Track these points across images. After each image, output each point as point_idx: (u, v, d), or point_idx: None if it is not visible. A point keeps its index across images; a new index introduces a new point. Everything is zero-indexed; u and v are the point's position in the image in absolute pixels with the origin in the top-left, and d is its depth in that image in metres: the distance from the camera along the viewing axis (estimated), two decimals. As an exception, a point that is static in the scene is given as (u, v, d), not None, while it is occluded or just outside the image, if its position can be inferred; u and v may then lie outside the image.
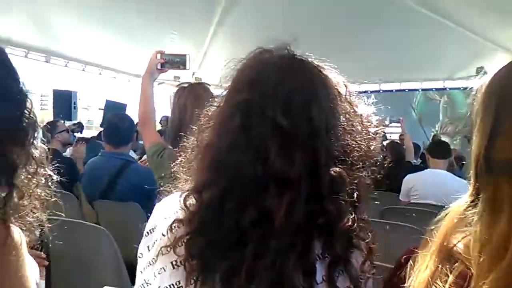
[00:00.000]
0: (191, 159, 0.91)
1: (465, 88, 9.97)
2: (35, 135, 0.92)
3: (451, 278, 0.63)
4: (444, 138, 8.65)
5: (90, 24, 7.54)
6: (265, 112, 0.80)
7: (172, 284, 0.81)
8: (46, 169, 0.95)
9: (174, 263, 0.81)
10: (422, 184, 3.79)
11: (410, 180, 3.93)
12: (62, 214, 1.07)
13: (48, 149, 0.99)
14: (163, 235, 0.84)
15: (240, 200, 0.77)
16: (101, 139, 5.56)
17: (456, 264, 0.65)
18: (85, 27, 7.62)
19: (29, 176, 0.91)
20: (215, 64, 9.65)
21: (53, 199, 0.97)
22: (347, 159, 0.82)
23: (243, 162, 0.78)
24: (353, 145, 0.83)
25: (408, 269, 0.70)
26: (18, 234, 0.85)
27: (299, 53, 0.91)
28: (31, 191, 0.91)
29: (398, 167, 4.32)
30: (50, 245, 1.31)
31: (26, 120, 0.91)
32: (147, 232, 0.91)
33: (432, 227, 0.70)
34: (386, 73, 9.51)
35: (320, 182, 0.78)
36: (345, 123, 0.85)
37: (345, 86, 0.91)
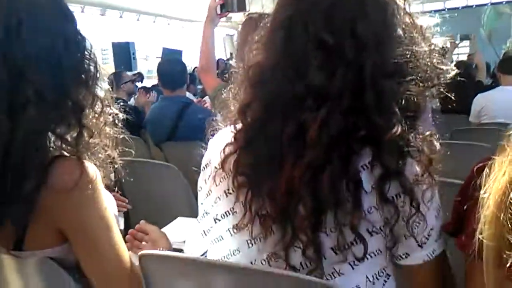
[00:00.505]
0: (239, 82, 0.91)
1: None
2: (98, 75, 0.95)
3: None
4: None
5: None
6: (307, 28, 0.79)
7: (228, 211, 0.86)
8: (112, 108, 0.98)
9: (227, 191, 0.85)
10: (492, 103, 3.56)
11: (480, 100, 3.71)
12: (132, 151, 1.11)
13: (116, 98, 1.03)
14: (216, 168, 0.88)
15: (280, 116, 0.78)
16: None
17: None
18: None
19: (96, 115, 0.95)
20: (267, 2, 9.42)
21: (121, 136, 1.02)
22: (403, 72, 0.79)
23: (284, 79, 0.78)
24: (411, 58, 0.80)
25: (484, 176, 0.66)
26: (93, 170, 0.89)
27: None
28: (99, 129, 0.96)
29: (468, 87, 4.08)
30: (124, 182, 1.38)
31: (87, 61, 0.93)
32: (203, 167, 0.95)
33: (509, 133, 0.66)
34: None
35: (365, 95, 0.76)
36: (403, 35, 0.81)
37: None
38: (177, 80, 3.08)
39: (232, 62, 10.45)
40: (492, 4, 9.97)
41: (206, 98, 4.08)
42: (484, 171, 0.67)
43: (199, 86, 6.22)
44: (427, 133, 0.81)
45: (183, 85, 3.11)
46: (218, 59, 9.92)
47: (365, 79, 0.76)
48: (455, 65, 3.60)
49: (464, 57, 8.49)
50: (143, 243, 1.29)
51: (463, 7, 9.86)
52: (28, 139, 0.82)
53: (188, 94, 4.03)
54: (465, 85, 4.22)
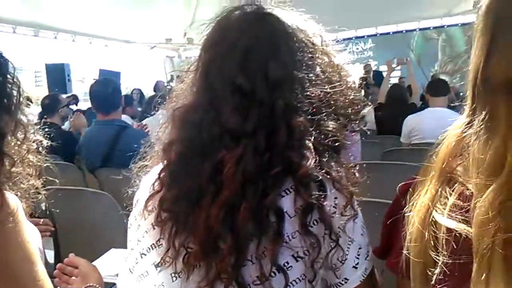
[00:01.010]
0: (166, 122, 0.94)
1: (463, 24, 9.78)
2: (21, 100, 0.90)
3: (451, 199, 0.63)
4: (444, 77, 8.54)
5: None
6: (223, 72, 0.83)
7: (153, 244, 0.85)
8: (36, 134, 0.93)
9: (153, 223, 0.85)
10: (421, 124, 3.76)
11: (409, 122, 3.91)
12: (56, 181, 1.06)
13: (49, 123, 0.98)
14: (145, 204, 0.87)
15: (200, 155, 0.80)
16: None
17: (456, 185, 0.64)
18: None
19: (19, 143, 0.89)
20: (206, 21, 9.48)
21: (45, 165, 0.96)
22: (318, 109, 0.83)
23: (203, 121, 0.82)
24: (325, 96, 0.84)
25: (408, 196, 0.69)
26: (14, 201, 0.84)
27: (272, 6, 0.91)
28: (22, 157, 0.90)
29: (400, 110, 4.29)
30: (54, 212, 1.32)
31: (9, 85, 0.88)
32: (134, 204, 0.95)
33: (431, 153, 0.69)
34: (382, 15, 9.32)
35: (278, 133, 0.79)
36: (319, 75, 0.85)
37: (321, 36, 0.91)
38: (110, 102, 2.94)
39: (172, 84, 10.39)
40: (420, 29, 10.58)
41: (147, 121, 4.00)
42: (408, 190, 0.70)
43: (139, 109, 6.11)
44: (350, 164, 0.85)
45: (118, 108, 2.97)
46: (157, 81, 9.82)
47: (276, 117, 0.80)
48: (389, 89, 3.81)
49: (395, 80, 8.95)
50: (72, 278, 1.22)
51: (393, 32, 10.42)
52: None
53: (125, 117, 3.93)
54: (399, 107, 4.44)
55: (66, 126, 4.87)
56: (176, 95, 0.95)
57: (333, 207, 0.79)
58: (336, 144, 0.83)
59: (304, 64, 0.84)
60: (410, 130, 3.83)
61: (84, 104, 8.70)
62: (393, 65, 6.09)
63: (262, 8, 0.90)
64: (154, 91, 9.23)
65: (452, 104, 3.75)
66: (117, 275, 1.31)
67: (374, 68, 9.15)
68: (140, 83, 10.28)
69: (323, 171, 0.78)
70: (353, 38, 10.14)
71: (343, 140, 0.85)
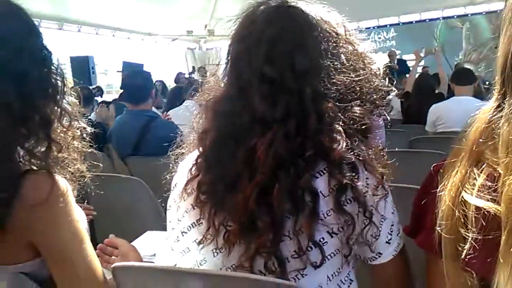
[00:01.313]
0: (200, 113, 1.00)
1: (488, 12, 9.59)
2: (65, 89, 0.96)
3: (479, 180, 0.66)
4: (468, 66, 8.41)
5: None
6: (251, 63, 0.87)
7: (194, 223, 0.91)
8: (80, 122, 0.99)
9: (193, 204, 0.90)
10: (447, 112, 3.73)
11: (435, 110, 3.88)
12: (100, 165, 1.12)
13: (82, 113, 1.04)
14: (184, 187, 0.93)
15: (233, 142, 0.85)
16: (122, 100, 5.63)
17: (484, 167, 0.67)
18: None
19: (65, 129, 0.95)
20: (227, 13, 9.50)
21: (90, 150, 1.02)
22: (344, 95, 0.87)
23: (234, 110, 0.87)
24: (351, 83, 0.88)
25: (439, 177, 0.72)
26: (64, 183, 0.90)
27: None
28: (68, 143, 0.96)
29: (427, 99, 4.25)
30: (90, 197, 1.38)
31: (54, 76, 0.94)
32: (173, 187, 1.01)
33: (462, 136, 0.72)
34: (405, 4, 9.20)
35: (308, 119, 0.83)
36: (344, 63, 0.89)
37: (344, 26, 0.95)
38: (139, 94, 3.00)
39: (194, 75, 10.47)
40: (443, 18, 10.42)
41: (171, 112, 4.06)
42: (439, 172, 0.73)
43: (164, 100, 6.19)
44: (379, 147, 0.89)
45: (147, 99, 3.02)
46: (178, 73, 9.91)
47: (306, 104, 0.84)
48: (416, 78, 3.79)
49: (419, 69, 8.83)
50: (113, 257, 1.28)
51: (416, 21, 10.28)
52: (1, 152, 0.82)
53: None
54: (426, 96, 4.41)
55: (92, 117, 4.99)
56: (208, 88, 1.00)
57: (365, 187, 0.84)
58: (364, 128, 0.87)
59: (329, 53, 0.88)
60: (436, 118, 3.81)
61: (108, 96, 8.87)
62: (422, 54, 6.03)
63: (286, 1, 0.94)
64: (175, 82, 9.33)
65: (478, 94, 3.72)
66: (154, 255, 1.38)
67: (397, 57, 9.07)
68: (162, 74, 10.37)
69: (355, 153, 0.83)
70: (375, 28, 10.05)
71: (371, 124, 0.89)
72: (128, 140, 2.86)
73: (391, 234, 0.89)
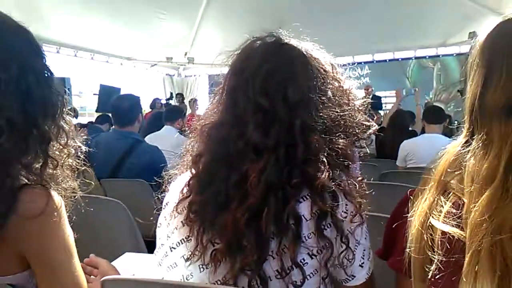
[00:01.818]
0: (196, 137, 1.07)
1: (458, 54, 10.02)
2: (64, 109, 1.01)
3: (446, 207, 0.74)
4: (438, 105, 8.71)
5: (79, 8, 7.50)
6: (247, 94, 0.96)
7: (183, 239, 0.97)
8: (75, 140, 1.04)
9: (183, 222, 0.96)
10: (417, 149, 3.89)
11: (405, 146, 4.05)
12: (92, 183, 1.17)
13: None
14: (175, 205, 0.99)
15: (226, 166, 0.92)
16: (99, 123, 5.62)
17: (450, 195, 0.75)
18: (74, 11, 7.58)
19: (61, 147, 1.00)
20: (208, 42, 9.65)
21: (83, 168, 1.06)
22: (329, 128, 0.95)
23: (229, 137, 0.94)
24: (338, 117, 0.97)
25: (410, 204, 0.80)
26: (58, 199, 0.94)
27: (289, 36, 1.05)
28: (63, 161, 1.00)
29: (401, 135, 4.41)
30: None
31: (55, 95, 0.99)
32: (164, 206, 1.07)
33: (431, 166, 0.81)
34: (379, 43, 9.55)
35: (296, 148, 0.91)
36: (330, 98, 0.98)
37: (332, 64, 1.04)
38: (125, 117, 3.04)
39: (172, 102, 10.51)
40: (416, 58, 10.82)
41: (152, 136, 4.06)
42: (410, 199, 0.81)
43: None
44: (359, 178, 0.97)
45: (132, 123, 3.06)
46: (155, 99, 9.92)
47: (295, 135, 0.92)
48: (392, 114, 3.92)
49: (389, 106, 9.11)
50: (92, 277, 1.30)
51: (389, 60, 10.65)
52: (1, 166, 0.85)
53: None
54: (399, 132, 4.57)
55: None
56: (203, 114, 1.07)
57: (344, 214, 0.91)
58: (346, 159, 0.95)
59: (317, 88, 0.97)
60: (406, 154, 3.96)
61: (81, 118, 8.77)
62: (403, 94, 6.32)
63: (280, 38, 1.03)
64: (151, 108, 9.33)
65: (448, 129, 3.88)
66: (133, 275, 1.40)
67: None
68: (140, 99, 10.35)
69: (336, 183, 0.90)
70: (350, 64, 10.37)
71: (352, 156, 0.97)
72: (109, 161, 2.86)
73: (363, 259, 0.96)
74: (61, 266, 0.95)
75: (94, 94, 9.83)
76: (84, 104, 12.02)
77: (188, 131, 1.11)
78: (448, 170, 0.78)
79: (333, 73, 1.03)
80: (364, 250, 0.96)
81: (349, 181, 0.94)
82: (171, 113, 4.57)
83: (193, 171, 0.98)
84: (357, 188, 0.95)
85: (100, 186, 2.86)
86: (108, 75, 11.27)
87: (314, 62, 1.00)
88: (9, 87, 0.89)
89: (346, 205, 0.92)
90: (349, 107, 1.00)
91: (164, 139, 3.79)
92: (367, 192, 0.98)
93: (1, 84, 0.88)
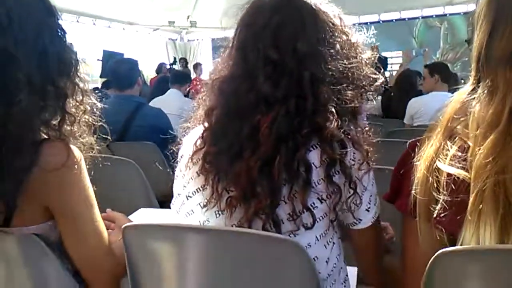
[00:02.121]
0: (207, 90, 1.09)
1: (465, 13, 9.85)
2: (78, 67, 1.03)
3: (452, 151, 0.77)
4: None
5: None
6: (257, 47, 0.97)
7: (198, 188, 1.01)
8: (91, 97, 1.07)
9: (198, 171, 1.00)
10: (424, 107, 3.88)
11: (413, 105, 4.04)
12: (109, 138, 1.21)
13: None
14: (189, 157, 1.03)
15: (238, 119, 0.95)
16: (104, 88, 5.64)
17: (456, 140, 0.78)
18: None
19: (77, 104, 1.03)
20: (210, 4, 9.50)
21: (99, 124, 1.10)
22: (338, 80, 0.97)
23: (240, 90, 0.96)
24: (345, 69, 0.99)
25: (417, 149, 0.84)
26: (78, 152, 0.98)
27: None
28: (80, 117, 1.04)
29: (407, 95, 4.39)
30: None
31: (69, 53, 1.02)
32: (178, 159, 1.11)
33: (438, 114, 0.84)
34: (385, 3, 9.38)
35: (305, 99, 0.94)
36: (338, 51, 1.00)
37: (340, 18, 1.06)
38: (124, 80, 3.03)
39: (176, 66, 10.46)
40: (422, 17, 10.65)
41: (157, 100, 4.08)
42: (415, 146, 0.85)
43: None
44: (366, 128, 1.01)
45: (131, 85, 3.04)
46: (160, 63, 9.88)
47: (304, 86, 0.94)
48: (399, 74, 3.93)
49: (396, 67, 9.03)
50: (109, 230, 1.36)
51: (396, 20, 10.49)
52: (23, 120, 0.89)
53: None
54: (406, 92, 4.55)
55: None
56: (213, 68, 1.09)
57: (352, 161, 0.95)
58: (354, 110, 0.98)
59: (326, 41, 0.99)
60: (414, 113, 3.95)
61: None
62: (413, 55, 6.23)
63: None
64: (157, 73, 9.30)
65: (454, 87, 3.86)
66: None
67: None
68: (143, 64, 10.33)
69: (344, 132, 0.93)
70: (356, 25, 10.19)
71: (360, 107, 1.00)
72: (113, 125, 2.88)
73: (369, 203, 1.01)
74: (82, 216, 1.00)
75: (97, 60, 9.81)
76: (88, 70, 11.98)
77: (195, 93, 1.14)
78: (455, 116, 0.81)
79: (341, 26, 1.04)
80: (371, 196, 1.01)
81: (356, 130, 0.97)
82: (177, 77, 4.56)
83: (206, 124, 1.01)
84: (364, 136, 0.98)
85: (109, 150, 2.91)
86: (111, 40, 11.18)
87: (322, 15, 1.02)
88: (27, 46, 0.91)
89: (354, 153, 0.95)
90: (357, 60, 1.02)
91: (169, 102, 3.80)
92: (373, 141, 1.01)
93: (19, 43, 0.90)
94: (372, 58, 1.09)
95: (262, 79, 0.95)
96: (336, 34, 1.01)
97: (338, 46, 1.00)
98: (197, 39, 13.01)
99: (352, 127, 0.96)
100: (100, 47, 9.82)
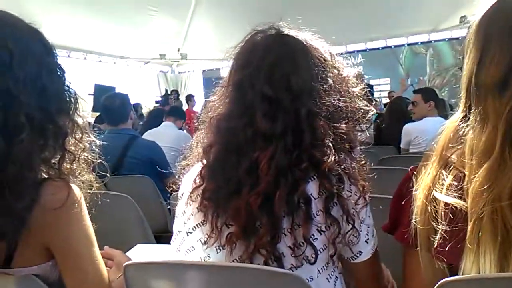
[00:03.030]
0: (205, 128, 1.11)
1: (450, 39, 10.07)
2: (77, 105, 1.05)
3: (447, 180, 0.79)
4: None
5: (69, 8, 7.48)
6: (254, 86, 1.00)
7: (198, 223, 1.02)
8: (90, 135, 1.08)
9: (198, 208, 1.01)
10: (421, 134, 3.91)
11: (410, 130, 4.05)
12: (108, 175, 1.21)
13: None
14: (189, 194, 1.04)
15: (236, 155, 0.97)
16: (97, 123, 5.64)
17: (452, 169, 0.80)
18: (65, 12, 7.56)
19: (76, 142, 1.04)
20: (201, 36, 9.64)
21: (98, 161, 1.11)
22: (332, 114, 1.00)
23: (238, 127, 0.99)
24: (338, 103, 1.01)
25: (414, 178, 0.85)
26: (78, 191, 0.98)
27: (288, 27, 1.09)
28: (79, 154, 1.04)
29: (398, 123, 4.42)
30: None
31: (68, 92, 1.03)
32: (180, 197, 1.12)
33: (432, 142, 0.85)
34: (371, 32, 9.59)
35: (302, 134, 0.96)
36: (331, 86, 1.02)
37: (330, 53, 1.09)
38: (117, 115, 3.09)
39: (170, 98, 10.51)
40: (408, 45, 10.87)
41: (151, 132, 4.08)
42: (413, 174, 0.86)
43: (141, 123, 6.22)
44: (362, 161, 1.03)
45: (125, 120, 3.11)
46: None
47: (301, 122, 0.97)
48: (391, 101, 3.98)
49: (385, 94, 9.16)
50: (108, 268, 1.34)
51: (382, 48, 10.70)
52: (23, 160, 0.90)
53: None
54: (397, 120, 4.59)
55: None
56: (210, 106, 1.12)
57: (349, 195, 0.96)
58: (350, 143, 1.00)
59: (319, 77, 1.02)
60: (414, 137, 3.96)
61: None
62: (407, 84, 6.39)
63: (280, 30, 1.08)
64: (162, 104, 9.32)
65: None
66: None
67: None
68: (134, 97, 10.36)
69: (341, 166, 0.95)
70: (344, 53, 10.36)
71: (355, 140, 1.02)
72: (108, 159, 2.89)
73: (367, 235, 1.02)
74: (82, 255, 0.99)
75: (89, 94, 9.84)
76: (79, 105, 11.98)
77: (189, 127, 1.15)
78: (449, 145, 0.83)
79: (332, 61, 1.07)
80: (368, 227, 1.02)
81: (352, 165, 0.98)
82: (175, 110, 4.62)
83: (204, 161, 1.03)
84: (360, 171, 1.00)
85: (104, 185, 2.91)
86: (102, 74, 11.25)
87: (314, 52, 1.05)
88: (27, 85, 0.93)
89: (351, 186, 0.97)
90: (349, 94, 1.05)
91: (163, 134, 3.82)
92: (369, 176, 1.03)
93: (20, 83, 0.92)
94: (363, 92, 1.11)
95: (259, 115, 0.97)
96: (328, 69, 1.05)
97: (330, 81, 1.03)
98: (188, 71, 13.14)
99: (348, 161, 0.98)
100: (92, 81, 9.87)
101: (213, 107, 1.10)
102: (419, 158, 0.90)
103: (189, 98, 9.77)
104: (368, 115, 1.09)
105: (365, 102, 1.09)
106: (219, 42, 10.02)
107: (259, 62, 1.01)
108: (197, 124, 1.17)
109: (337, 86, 1.04)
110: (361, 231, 0.99)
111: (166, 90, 11.51)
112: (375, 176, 1.06)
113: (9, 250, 0.92)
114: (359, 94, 1.09)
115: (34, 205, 0.90)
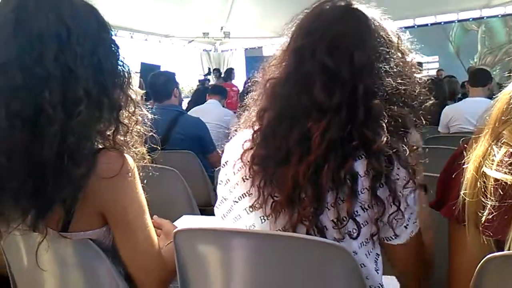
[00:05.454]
0: (259, 91, 1.10)
1: (503, 15, 9.61)
2: (130, 80, 1.09)
3: (498, 156, 0.78)
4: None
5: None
6: (314, 55, 0.98)
7: (245, 193, 1.04)
8: (142, 109, 1.12)
9: (244, 177, 1.03)
10: (459, 113, 3.80)
11: (447, 112, 3.95)
12: (158, 148, 1.26)
13: None
14: (235, 160, 1.05)
15: (289, 123, 0.96)
16: (144, 100, 5.78)
17: (503, 145, 0.79)
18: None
19: (130, 115, 1.09)
20: (243, 15, 9.62)
21: (150, 134, 1.15)
22: (390, 96, 0.98)
23: (293, 94, 0.98)
24: (397, 86, 0.99)
25: (465, 151, 0.84)
26: (131, 161, 1.03)
27: (358, 1, 1.06)
28: (132, 127, 1.09)
29: (440, 105, 4.31)
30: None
31: (122, 67, 1.07)
32: (223, 164, 1.13)
33: (485, 115, 0.84)
34: (419, 7, 9.26)
35: (357, 110, 0.94)
36: (393, 68, 1.00)
37: (398, 37, 1.07)
38: (161, 92, 3.18)
39: (210, 77, 10.62)
40: (459, 21, 10.45)
41: (196, 109, 4.16)
42: (465, 148, 0.85)
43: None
44: (414, 147, 0.99)
45: (169, 96, 3.18)
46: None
47: (357, 98, 0.95)
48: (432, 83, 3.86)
49: (433, 72, 8.87)
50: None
51: (431, 24, 10.34)
52: (81, 131, 0.95)
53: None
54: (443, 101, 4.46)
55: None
56: (265, 68, 1.11)
57: (397, 178, 0.94)
58: (404, 127, 0.98)
59: (382, 57, 1.00)
60: (449, 120, 3.88)
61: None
62: None
63: (350, 2, 1.06)
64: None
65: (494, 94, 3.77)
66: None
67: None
68: (178, 75, 10.52)
69: (392, 148, 0.94)
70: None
71: (410, 125, 1.00)
72: (156, 134, 2.99)
73: (409, 220, 0.99)
74: (135, 222, 1.05)
75: (136, 72, 10.08)
76: (132, 80, 12.27)
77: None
78: (502, 117, 0.81)
79: (398, 43, 1.05)
80: (412, 213, 1.00)
81: (404, 148, 0.96)
82: (218, 89, 4.68)
83: (256, 126, 1.03)
84: (412, 155, 0.97)
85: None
86: (147, 53, 11.46)
87: (381, 32, 1.03)
88: (84, 61, 0.97)
89: (399, 169, 0.95)
90: (410, 79, 1.03)
91: (208, 112, 3.89)
92: (421, 161, 1.01)
93: (78, 58, 0.96)
94: (426, 80, 1.08)
95: (318, 87, 0.96)
96: (393, 51, 1.03)
97: (393, 63, 1.01)
98: (231, 49, 13.19)
99: (400, 145, 0.96)
100: (138, 60, 10.09)
101: (269, 70, 1.09)
102: (463, 137, 0.88)
103: (230, 72, 9.78)
104: (427, 104, 1.07)
105: (425, 91, 1.06)
106: (262, 21, 10.02)
107: (324, 32, 1.00)
108: (251, 85, 1.16)
109: (400, 69, 1.02)
110: (405, 214, 0.97)
111: (209, 69, 11.60)
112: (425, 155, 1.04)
113: (67, 215, 0.98)
114: (420, 81, 1.06)
115: (91, 173, 0.95)
